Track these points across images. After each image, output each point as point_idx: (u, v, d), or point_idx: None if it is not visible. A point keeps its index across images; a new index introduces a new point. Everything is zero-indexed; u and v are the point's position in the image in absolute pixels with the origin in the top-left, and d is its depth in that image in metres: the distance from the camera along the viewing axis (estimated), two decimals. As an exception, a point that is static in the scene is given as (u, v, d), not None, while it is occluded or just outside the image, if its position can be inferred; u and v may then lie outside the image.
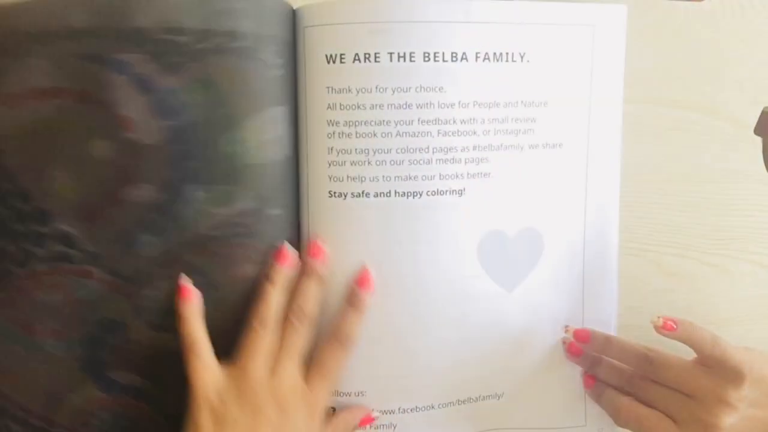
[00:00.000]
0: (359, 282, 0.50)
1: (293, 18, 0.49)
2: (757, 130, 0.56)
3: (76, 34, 0.43)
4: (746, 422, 0.48)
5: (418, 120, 0.49)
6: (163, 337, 0.46)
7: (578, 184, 0.53)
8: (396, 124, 0.49)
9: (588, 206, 0.53)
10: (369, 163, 0.49)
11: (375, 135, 0.49)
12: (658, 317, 0.49)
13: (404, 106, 0.48)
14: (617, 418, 0.52)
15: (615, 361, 0.53)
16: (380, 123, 0.48)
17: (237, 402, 0.45)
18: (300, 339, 0.48)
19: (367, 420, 0.51)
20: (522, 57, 0.50)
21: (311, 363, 0.49)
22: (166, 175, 0.45)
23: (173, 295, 0.46)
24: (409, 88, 0.48)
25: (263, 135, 0.46)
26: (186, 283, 0.46)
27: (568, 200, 0.53)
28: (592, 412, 0.55)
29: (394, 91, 0.48)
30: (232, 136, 0.45)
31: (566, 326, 0.54)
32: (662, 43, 0.55)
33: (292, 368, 0.47)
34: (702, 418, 0.47)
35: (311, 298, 0.49)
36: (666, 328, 0.49)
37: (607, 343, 0.52)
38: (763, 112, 0.56)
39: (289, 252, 0.49)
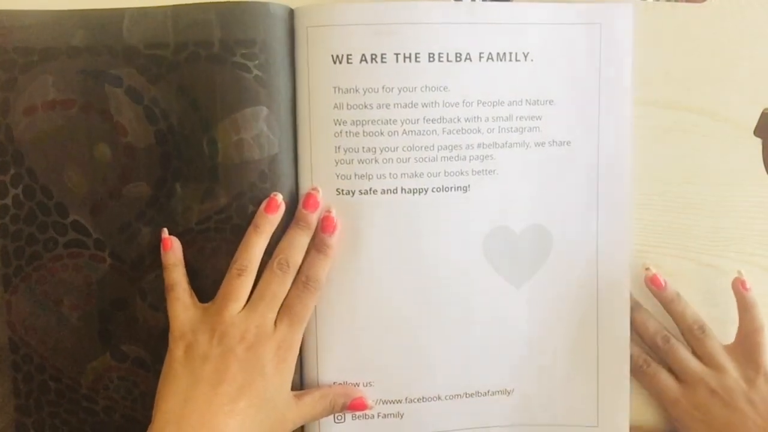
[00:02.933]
0: (323, 227, 0.49)
1: (288, 18, 0.49)
2: (757, 132, 0.55)
3: (77, 52, 0.49)
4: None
5: (424, 119, 0.49)
6: (163, 318, 0.50)
7: (590, 183, 0.52)
8: (402, 123, 0.49)
9: (600, 205, 0.53)
10: (376, 161, 0.49)
11: (382, 134, 0.49)
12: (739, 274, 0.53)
13: (410, 105, 0.49)
14: (636, 369, 0.54)
15: (654, 316, 0.55)
16: (387, 122, 0.49)
17: (209, 339, 0.47)
18: (280, 287, 0.48)
19: (360, 405, 0.51)
20: (526, 56, 0.50)
21: (282, 307, 0.49)
22: (157, 173, 0.49)
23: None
24: (415, 87, 0.49)
25: (240, 135, 0.48)
26: (166, 234, 0.49)
27: (579, 198, 0.52)
28: (605, 413, 0.54)
29: (400, 91, 0.49)
30: (210, 136, 0.49)
31: (648, 266, 0.55)
32: (662, 44, 0.54)
33: (265, 312, 0.48)
34: (702, 390, 0.52)
35: (298, 249, 0.49)
36: (744, 287, 0.53)
37: (675, 297, 0.54)
38: (763, 114, 0.55)
39: (280, 203, 0.49)
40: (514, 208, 0.52)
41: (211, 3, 0.48)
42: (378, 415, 0.52)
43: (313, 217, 0.49)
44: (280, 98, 0.49)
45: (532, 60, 0.50)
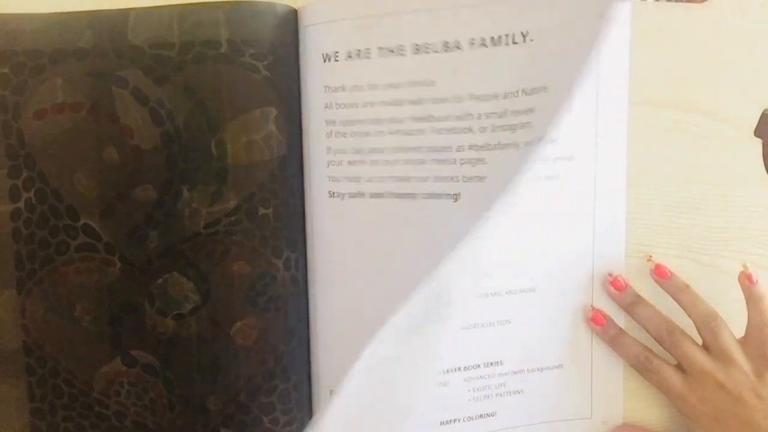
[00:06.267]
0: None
1: (293, 18, 0.48)
2: (757, 132, 0.54)
3: (84, 54, 0.47)
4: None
5: (411, 117, 0.45)
6: (171, 323, 0.49)
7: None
8: (388, 122, 0.45)
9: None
10: (364, 162, 0.46)
11: (369, 134, 0.45)
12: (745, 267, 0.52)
13: (396, 103, 0.45)
14: (639, 366, 0.52)
15: (657, 309, 0.52)
16: (373, 121, 0.45)
17: None
18: None
19: None
20: (524, 36, 0.43)
21: None
22: (163, 176, 0.48)
23: (178, 286, 0.48)
24: (400, 83, 0.45)
25: (249, 136, 0.47)
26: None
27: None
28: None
29: (385, 88, 0.45)
30: (218, 138, 0.47)
31: (650, 257, 0.53)
32: (662, 44, 0.52)
33: None
34: (710, 384, 0.49)
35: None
36: (750, 281, 0.51)
37: (684, 288, 0.52)
38: (763, 114, 0.53)
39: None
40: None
41: (218, 2, 0.46)
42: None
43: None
44: (288, 99, 0.47)
45: (531, 40, 0.43)
